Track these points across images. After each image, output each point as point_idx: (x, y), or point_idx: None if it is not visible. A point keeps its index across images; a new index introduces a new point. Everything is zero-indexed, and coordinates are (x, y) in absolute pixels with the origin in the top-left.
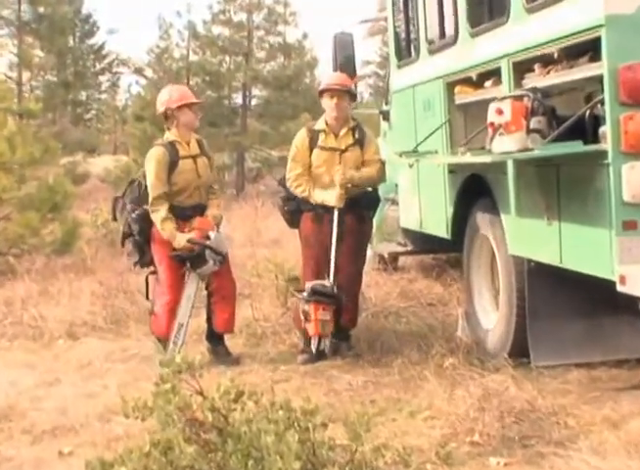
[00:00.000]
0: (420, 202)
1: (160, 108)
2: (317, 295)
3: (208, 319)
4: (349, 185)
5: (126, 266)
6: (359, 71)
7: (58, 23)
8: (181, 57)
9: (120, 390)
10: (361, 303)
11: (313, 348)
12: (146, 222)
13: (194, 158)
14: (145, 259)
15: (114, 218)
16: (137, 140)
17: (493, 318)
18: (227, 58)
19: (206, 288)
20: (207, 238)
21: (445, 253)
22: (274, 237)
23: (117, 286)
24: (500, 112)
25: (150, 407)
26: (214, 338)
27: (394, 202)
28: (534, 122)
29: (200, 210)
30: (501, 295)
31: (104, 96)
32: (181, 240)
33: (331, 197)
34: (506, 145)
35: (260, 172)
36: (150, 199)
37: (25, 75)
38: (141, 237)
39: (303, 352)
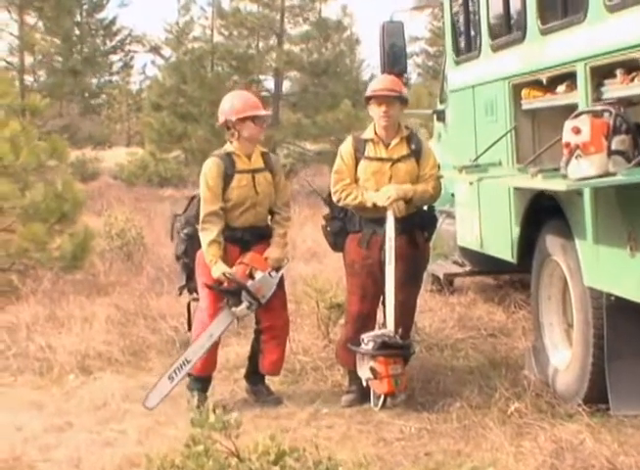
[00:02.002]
0: (480, 219)
1: (221, 118)
2: (386, 348)
3: (252, 357)
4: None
5: (146, 286)
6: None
7: (64, 2)
8: (204, 37)
9: (141, 437)
10: (413, 334)
11: (376, 407)
12: (193, 243)
13: (253, 172)
14: (191, 285)
15: (173, 238)
16: (154, 132)
17: (566, 356)
18: (257, 39)
19: (257, 323)
20: (251, 277)
21: (509, 274)
22: (311, 248)
23: (136, 310)
24: (577, 130)
25: (178, 466)
26: (255, 377)
27: (450, 215)
28: (617, 142)
29: (256, 235)
30: (575, 331)
31: (115, 78)
32: (217, 271)
33: (381, 196)
34: (584, 169)
35: (294, 168)
36: (201, 215)
37: (27, 60)
38: (188, 258)
39: (348, 393)
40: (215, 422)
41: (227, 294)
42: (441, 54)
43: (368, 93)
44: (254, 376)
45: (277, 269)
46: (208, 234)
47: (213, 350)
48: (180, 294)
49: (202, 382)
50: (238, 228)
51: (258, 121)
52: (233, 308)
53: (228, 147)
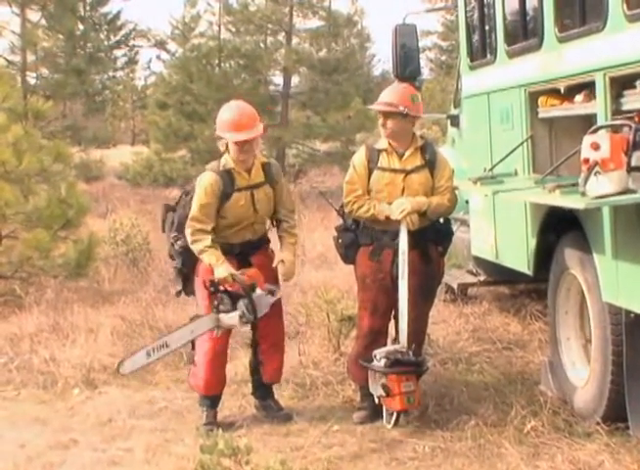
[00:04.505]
0: (495, 229)
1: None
2: (398, 365)
3: (254, 372)
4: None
5: (152, 295)
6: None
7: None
8: (211, 33)
9: (148, 455)
10: (426, 347)
11: (389, 425)
12: (190, 255)
13: (253, 188)
14: (188, 289)
15: (164, 230)
16: (160, 132)
17: (583, 373)
18: (265, 36)
19: (252, 333)
20: (252, 289)
21: (525, 283)
22: (322, 254)
23: (142, 321)
24: (596, 146)
25: None
26: (262, 391)
27: (464, 222)
28: (637, 158)
29: (254, 247)
30: (593, 347)
31: (119, 73)
32: (224, 271)
33: (394, 209)
34: (603, 186)
35: (303, 168)
36: (189, 230)
37: (30, 58)
38: (185, 268)
39: (360, 409)
40: (225, 448)
41: (225, 295)
42: (454, 48)
43: (374, 105)
44: (262, 390)
45: (272, 293)
46: (200, 245)
47: (220, 368)
48: (178, 296)
49: (211, 399)
50: (235, 244)
51: (240, 143)
52: (221, 315)
53: (227, 161)
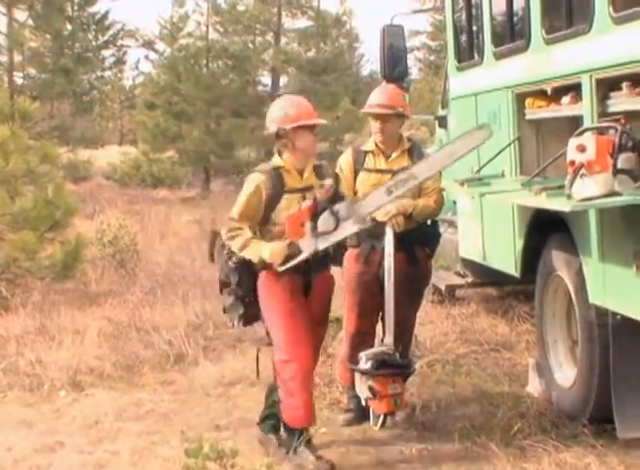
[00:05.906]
0: (483, 231)
1: (272, 127)
2: (384, 367)
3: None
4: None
5: (139, 297)
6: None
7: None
8: (199, 33)
9: (134, 458)
10: (414, 348)
11: (376, 426)
12: (247, 271)
13: (305, 191)
14: (251, 312)
15: (212, 259)
16: (148, 132)
17: (570, 375)
18: (253, 36)
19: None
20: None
21: (512, 285)
22: None
23: (129, 323)
24: (582, 149)
25: None
26: (285, 430)
27: (452, 224)
28: (623, 161)
29: (318, 263)
30: (580, 349)
31: (107, 73)
32: (278, 247)
33: (380, 211)
34: (589, 189)
35: None
36: (226, 228)
37: (17, 58)
38: (242, 289)
39: (347, 411)
40: (210, 451)
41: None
42: (443, 48)
43: (365, 108)
44: (286, 429)
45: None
46: (239, 239)
47: (305, 390)
48: (237, 324)
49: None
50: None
51: (314, 130)
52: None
53: (276, 160)
